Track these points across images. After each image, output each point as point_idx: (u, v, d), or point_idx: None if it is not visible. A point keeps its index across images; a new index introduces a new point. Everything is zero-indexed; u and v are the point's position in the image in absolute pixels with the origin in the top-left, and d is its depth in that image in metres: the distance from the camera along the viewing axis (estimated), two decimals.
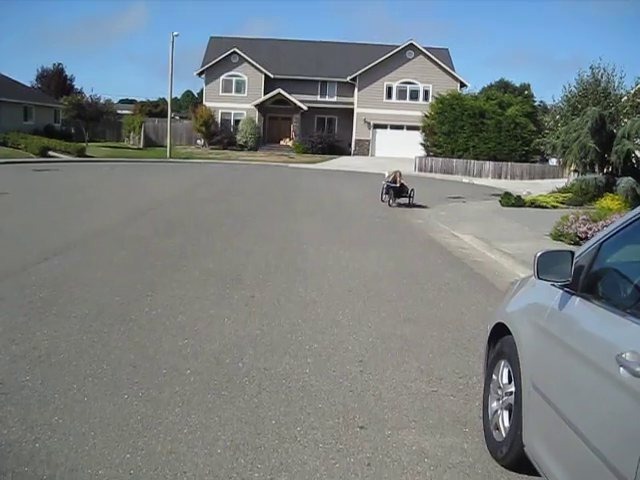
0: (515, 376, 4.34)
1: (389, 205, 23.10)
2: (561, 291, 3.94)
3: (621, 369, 3.00)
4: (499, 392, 4.70)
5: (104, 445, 4.46)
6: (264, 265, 11.06)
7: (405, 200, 23.72)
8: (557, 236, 14.94)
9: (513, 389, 4.39)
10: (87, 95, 53.25)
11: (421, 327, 7.82)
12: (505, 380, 4.60)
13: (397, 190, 23.58)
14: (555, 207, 23.19)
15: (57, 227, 14.31)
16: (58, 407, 5.00)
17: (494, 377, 4.82)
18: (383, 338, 7.30)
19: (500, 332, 4.78)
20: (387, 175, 24.85)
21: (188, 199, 21.70)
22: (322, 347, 6.87)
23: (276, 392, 5.58)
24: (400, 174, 24.33)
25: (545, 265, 3.90)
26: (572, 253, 3.86)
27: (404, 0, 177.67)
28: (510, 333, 4.52)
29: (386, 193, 23.87)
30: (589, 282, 3.82)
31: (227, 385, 5.67)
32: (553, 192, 26.66)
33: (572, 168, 27.45)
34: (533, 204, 23.81)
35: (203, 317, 7.74)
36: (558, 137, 27.28)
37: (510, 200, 23.93)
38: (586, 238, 14.24)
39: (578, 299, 3.76)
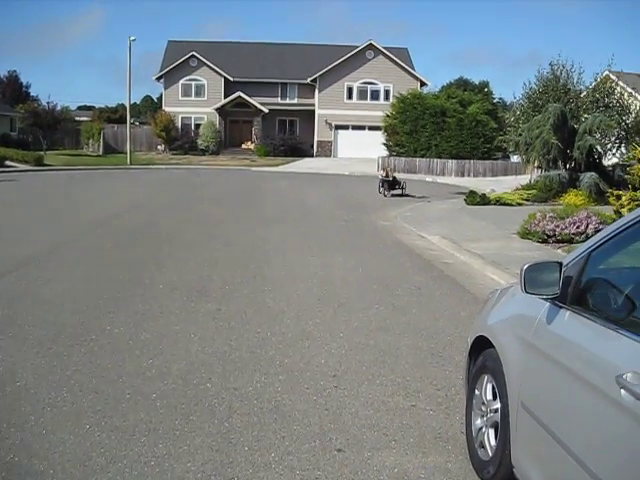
0: (501, 392, 4.10)
1: (384, 196, 27.27)
2: (547, 303, 3.71)
3: (622, 391, 2.78)
4: (483, 408, 4.47)
5: None
6: (230, 275, 10.74)
7: (398, 191, 27.81)
8: (525, 234, 14.83)
9: (499, 406, 4.15)
10: (44, 102, 52.52)
11: (394, 336, 7.57)
12: (489, 396, 4.37)
13: (390, 183, 27.96)
14: (520, 204, 23.19)
15: (12, 242, 13.76)
16: (14, 443, 4.63)
17: (477, 392, 4.58)
18: (356, 349, 7.04)
19: (482, 345, 4.54)
20: (381, 173, 29.84)
21: (150, 207, 21.23)
22: (293, 362, 6.58)
23: (247, 414, 5.28)
24: (391, 169, 30.38)
25: (532, 278, 3.65)
26: (560, 264, 3.64)
27: (363, 0, 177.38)
28: (493, 346, 4.29)
29: (381, 186, 28.02)
30: (578, 294, 3.59)
31: (195, 409, 5.35)
32: (517, 189, 26.72)
33: (535, 164, 27.56)
34: (498, 202, 23.79)
35: (168, 334, 7.40)
36: (520, 134, 27.39)
37: (475, 198, 23.89)
38: (554, 236, 14.18)
39: (568, 312, 3.53)
